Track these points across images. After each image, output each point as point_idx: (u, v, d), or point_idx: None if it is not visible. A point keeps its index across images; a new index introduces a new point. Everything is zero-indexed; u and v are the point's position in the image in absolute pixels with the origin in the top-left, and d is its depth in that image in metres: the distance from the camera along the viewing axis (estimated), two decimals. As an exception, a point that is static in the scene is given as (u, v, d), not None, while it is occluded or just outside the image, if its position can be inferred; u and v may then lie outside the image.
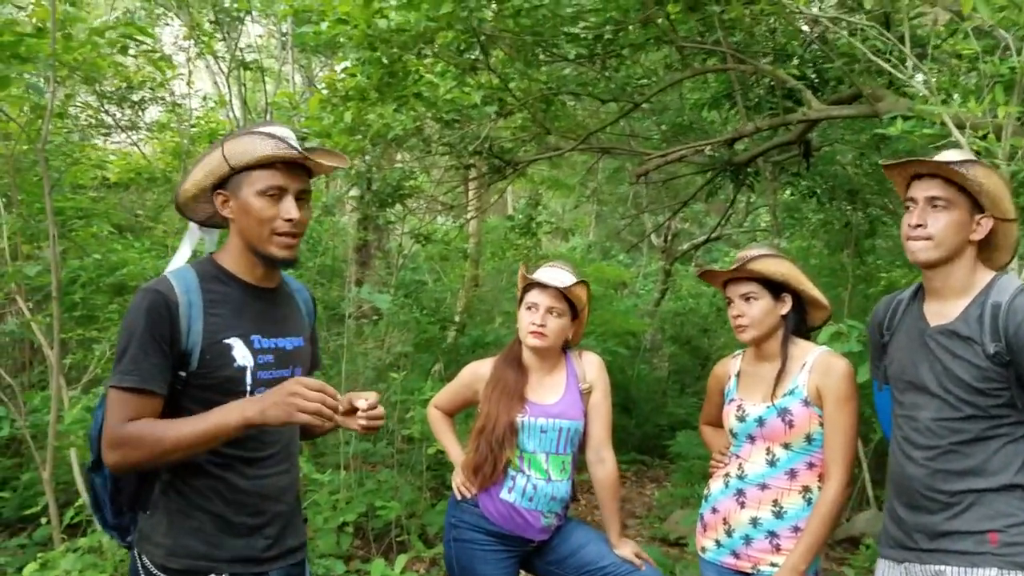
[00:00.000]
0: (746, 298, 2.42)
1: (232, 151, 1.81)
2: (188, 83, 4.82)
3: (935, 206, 1.99)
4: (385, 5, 4.72)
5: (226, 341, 1.83)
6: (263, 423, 1.67)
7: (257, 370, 1.86)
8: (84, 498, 3.65)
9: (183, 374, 1.80)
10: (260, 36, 7.85)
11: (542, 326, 2.61)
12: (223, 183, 1.85)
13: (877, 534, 5.24)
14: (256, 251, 1.86)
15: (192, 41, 4.98)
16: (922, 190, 2.02)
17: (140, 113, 6.40)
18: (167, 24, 7.54)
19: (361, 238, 7.44)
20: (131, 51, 4.48)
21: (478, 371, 2.78)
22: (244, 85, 6.24)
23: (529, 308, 2.66)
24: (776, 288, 2.42)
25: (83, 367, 4.53)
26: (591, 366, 2.75)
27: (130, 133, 6.61)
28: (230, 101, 5.92)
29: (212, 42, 5.35)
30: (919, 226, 2.00)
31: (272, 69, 7.72)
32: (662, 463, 8.16)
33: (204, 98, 6.63)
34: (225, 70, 5.74)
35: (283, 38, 7.81)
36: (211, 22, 5.67)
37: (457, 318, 7.55)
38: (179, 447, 1.71)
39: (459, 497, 2.70)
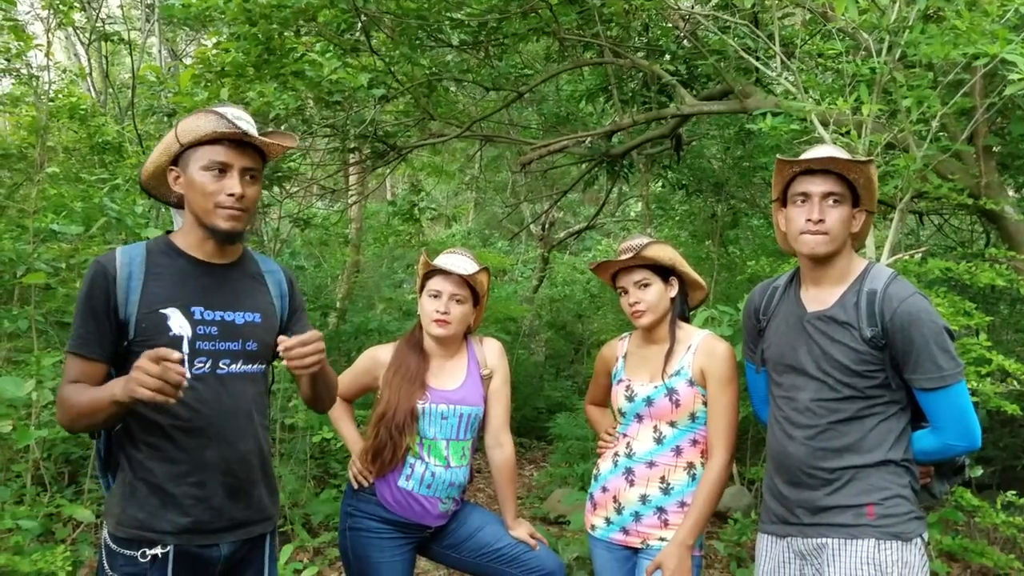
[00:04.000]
0: (641, 285, 2.50)
1: (183, 129, 1.92)
2: (47, 54, 4.43)
3: (832, 202, 2.09)
4: (264, -21, 4.55)
5: (162, 311, 1.91)
6: (124, 400, 1.72)
7: (196, 340, 1.93)
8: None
9: (125, 343, 1.91)
10: (121, 6, 7.34)
11: (446, 313, 2.60)
12: (176, 160, 1.97)
13: (742, 508, 5.60)
14: (203, 224, 1.95)
15: (51, 10, 4.59)
16: (817, 185, 2.09)
17: (-9, 86, 5.87)
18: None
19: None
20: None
21: (377, 357, 2.73)
22: (106, 57, 5.83)
23: (432, 295, 2.63)
24: (664, 273, 2.53)
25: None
26: (492, 352, 2.76)
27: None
28: (90, 74, 5.50)
29: (72, 12, 4.95)
30: (820, 221, 2.08)
31: (136, 42, 7.24)
32: (540, 444, 8.34)
33: (64, 71, 6.13)
34: (85, 41, 5.32)
35: (147, 9, 7.35)
36: (71, -10, 5.24)
37: (338, 304, 7.40)
38: (81, 414, 1.83)
39: (356, 486, 2.66)
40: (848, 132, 3.26)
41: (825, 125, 3.38)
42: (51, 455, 4.39)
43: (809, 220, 2.09)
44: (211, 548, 1.97)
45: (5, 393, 3.06)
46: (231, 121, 1.89)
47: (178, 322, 1.92)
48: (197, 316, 1.95)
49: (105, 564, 1.94)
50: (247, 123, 1.94)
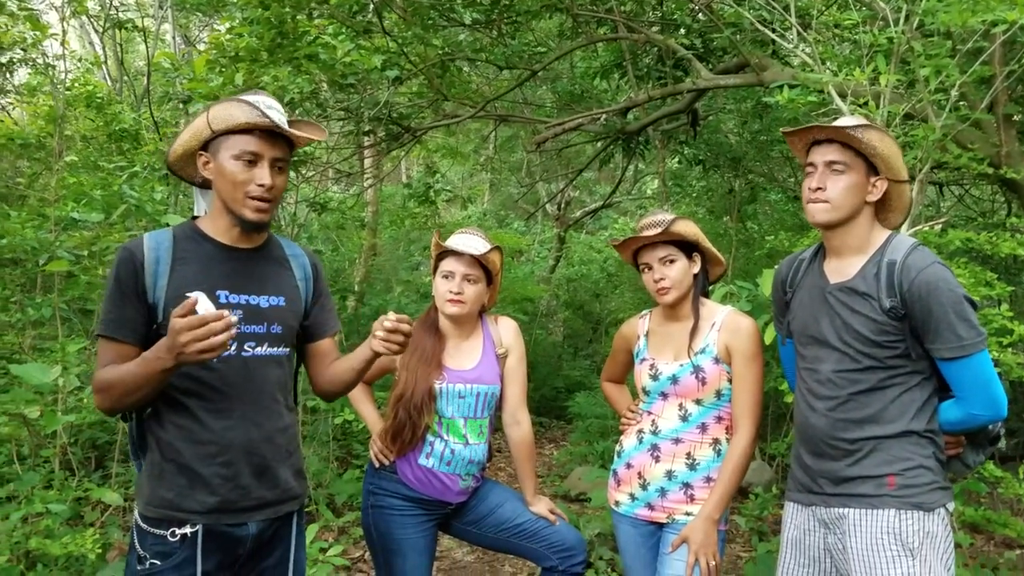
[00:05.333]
0: (666, 261, 2.49)
1: (215, 115, 1.94)
2: (63, 43, 4.46)
3: (834, 170, 2.10)
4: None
5: (188, 295, 1.92)
6: (178, 365, 1.75)
7: None
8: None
9: (154, 326, 1.94)
10: (134, -7, 7.39)
11: (459, 293, 2.61)
12: (206, 145, 1.99)
13: (763, 483, 5.60)
14: (230, 211, 1.99)
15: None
16: (820, 155, 2.12)
17: (8, 76, 5.91)
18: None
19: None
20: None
21: None
22: (120, 45, 5.87)
23: (445, 276, 2.65)
24: (687, 249, 2.52)
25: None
26: (507, 331, 2.77)
27: (-2, 97, 6.10)
28: (105, 62, 5.52)
29: (85, 0, 4.97)
30: (819, 189, 2.10)
31: (149, 29, 7.28)
32: (559, 423, 8.38)
33: (79, 59, 6.17)
34: (99, 29, 5.34)
35: (160, -4, 7.38)
36: (85, -22, 5.27)
37: (356, 287, 7.44)
38: (127, 391, 1.84)
39: (377, 464, 2.69)
40: (866, 103, 3.22)
41: (843, 97, 3.33)
42: (78, 440, 4.46)
43: (810, 189, 2.12)
44: (239, 527, 2.01)
45: (32, 380, 3.12)
46: (264, 112, 1.91)
47: (204, 306, 1.94)
48: (222, 300, 1.98)
49: (136, 544, 1.98)
50: (278, 113, 1.97)
